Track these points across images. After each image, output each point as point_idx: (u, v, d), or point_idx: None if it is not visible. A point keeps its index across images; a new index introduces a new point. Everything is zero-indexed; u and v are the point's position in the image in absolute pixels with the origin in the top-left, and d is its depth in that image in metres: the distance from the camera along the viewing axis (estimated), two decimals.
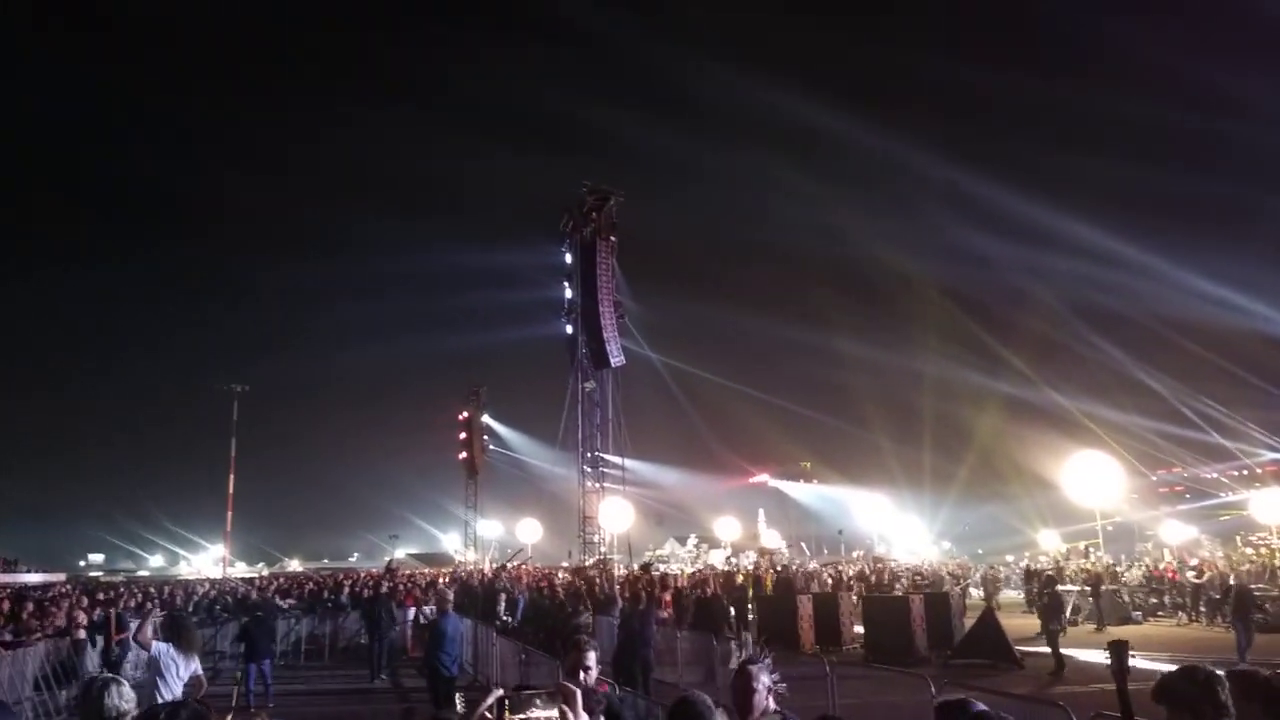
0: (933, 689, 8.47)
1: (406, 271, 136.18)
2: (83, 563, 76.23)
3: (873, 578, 33.26)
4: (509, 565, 36.95)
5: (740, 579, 28.78)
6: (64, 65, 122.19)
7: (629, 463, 40.08)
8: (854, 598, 23.76)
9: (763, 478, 66.47)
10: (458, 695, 11.77)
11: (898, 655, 16.95)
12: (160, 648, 8.19)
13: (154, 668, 8.19)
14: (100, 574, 66.09)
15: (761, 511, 61.08)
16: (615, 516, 39.30)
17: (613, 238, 37.81)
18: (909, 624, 18.44)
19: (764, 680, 4.24)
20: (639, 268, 46.61)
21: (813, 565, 42.02)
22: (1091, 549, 34.40)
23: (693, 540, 54.77)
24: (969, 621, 20.12)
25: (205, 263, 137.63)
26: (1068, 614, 26.27)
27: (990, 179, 73.90)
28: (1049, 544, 46.05)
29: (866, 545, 56.68)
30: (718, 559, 47.06)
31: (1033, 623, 21.59)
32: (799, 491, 69.24)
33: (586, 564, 36.33)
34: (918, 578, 32.96)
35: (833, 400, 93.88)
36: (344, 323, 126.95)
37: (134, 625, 10.04)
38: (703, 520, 57.16)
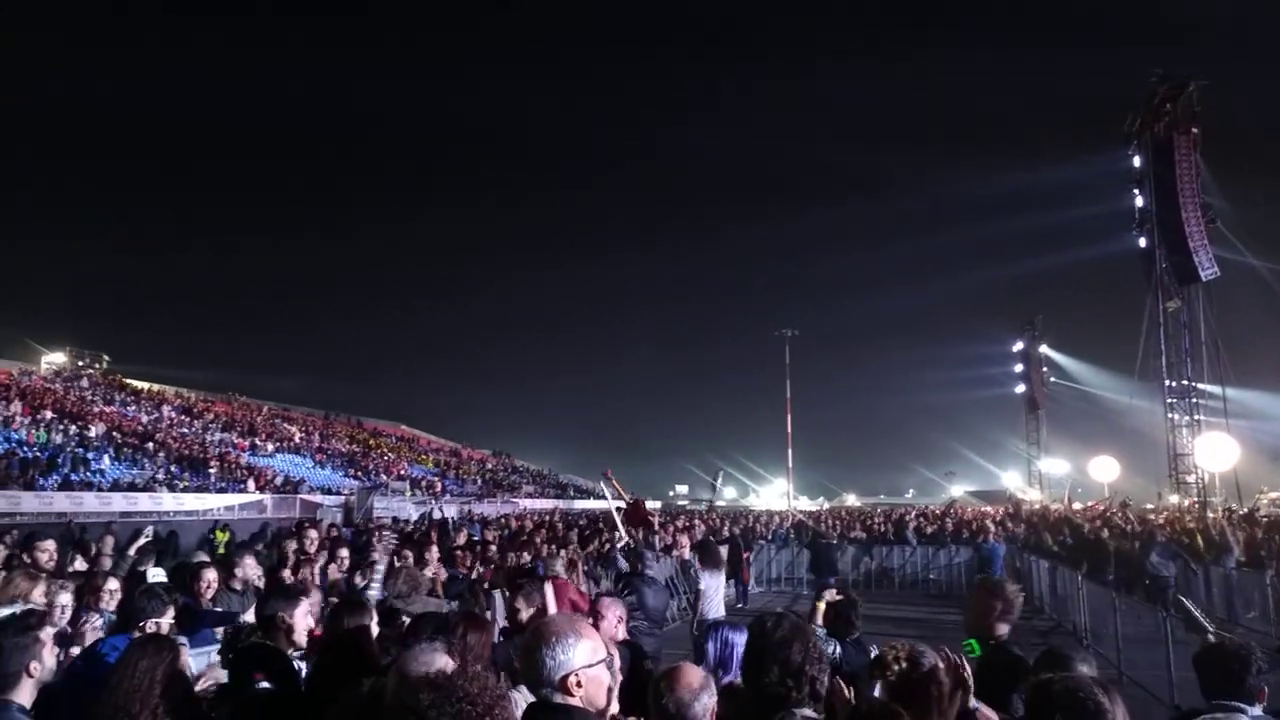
0: None
1: (944, 203, 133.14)
2: (671, 493, 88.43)
3: None
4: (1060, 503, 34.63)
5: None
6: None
7: (1230, 391, 34.74)
8: None
9: None
10: None
11: None
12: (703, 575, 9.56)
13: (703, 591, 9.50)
14: (685, 502, 76.42)
15: None
16: (1214, 454, 34.59)
17: (1194, 130, 32.56)
18: None
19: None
20: (1230, 161, 39.66)
21: None
22: None
23: None
24: None
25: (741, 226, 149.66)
26: None
27: None
28: None
29: None
30: None
31: None
32: None
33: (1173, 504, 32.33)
34: None
35: None
36: (886, 263, 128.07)
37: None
38: None
